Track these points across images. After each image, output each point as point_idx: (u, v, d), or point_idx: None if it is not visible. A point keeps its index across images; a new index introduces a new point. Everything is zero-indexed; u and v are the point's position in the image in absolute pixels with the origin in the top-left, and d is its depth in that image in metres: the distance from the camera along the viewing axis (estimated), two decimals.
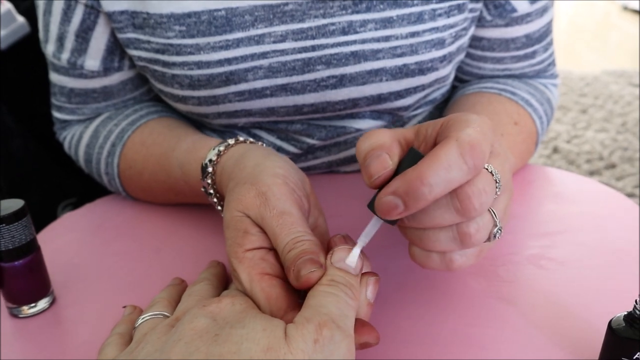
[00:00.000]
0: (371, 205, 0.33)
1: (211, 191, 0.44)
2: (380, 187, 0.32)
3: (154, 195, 0.57)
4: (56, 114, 0.62)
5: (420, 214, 0.32)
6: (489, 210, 0.34)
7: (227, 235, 0.37)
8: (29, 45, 0.85)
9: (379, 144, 0.33)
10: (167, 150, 0.52)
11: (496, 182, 0.33)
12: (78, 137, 0.60)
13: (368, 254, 0.46)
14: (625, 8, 3.45)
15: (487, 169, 0.33)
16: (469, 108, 0.56)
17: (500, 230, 0.35)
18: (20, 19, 0.86)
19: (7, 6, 0.86)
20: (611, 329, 0.32)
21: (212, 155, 0.44)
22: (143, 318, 0.36)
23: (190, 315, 0.32)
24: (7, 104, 0.87)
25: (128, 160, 0.56)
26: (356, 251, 0.34)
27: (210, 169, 0.44)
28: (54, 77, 0.59)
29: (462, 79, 0.63)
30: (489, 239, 0.35)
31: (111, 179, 0.58)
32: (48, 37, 0.56)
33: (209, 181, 0.44)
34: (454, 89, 0.65)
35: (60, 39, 0.55)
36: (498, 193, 0.34)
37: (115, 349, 0.35)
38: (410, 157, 0.32)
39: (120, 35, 0.53)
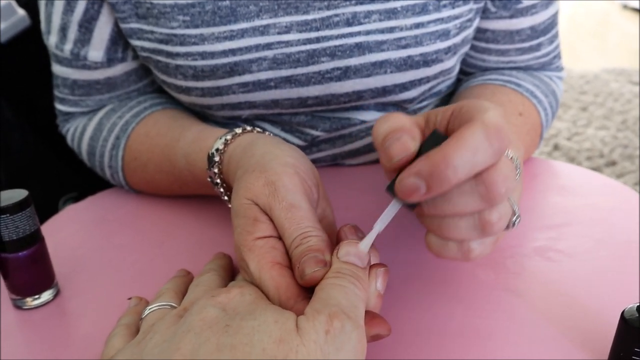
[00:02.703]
0: (390, 188, 0.32)
1: (217, 181, 0.44)
2: (399, 170, 0.31)
3: (158, 187, 0.56)
4: (59, 107, 0.62)
5: (442, 201, 0.31)
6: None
7: (236, 224, 0.36)
8: (29, 39, 0.84)
9: (399, 126, 0.32)
10: (172, 141, 0.52)
11: (516, 168, 0.33)
12: (81, 130, 0.60)
13: (376, 245, 0.45)
14: (625, 7, 3.45)
15: (507, 154, 0.32)
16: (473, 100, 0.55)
17: (519, 218, 0.34)
18: (21, 11, 0.86)
19: None
20: (624, 320, 0.32)
21: (219, 144, 0.44)
22: (150, 309, 0.36)
23: (199, 305, 0.31)
24: (6, 98, 0.86)
25: (132, 152, 0.56)
26: (372, 235, 0.33)
27: (217, 158, 0.43)
28: (57, 69, 0.58)
29: (466, 71, 0.63)
30: (507, 227, 0.34)
31: (114, 172, 0.58)
32: (50, 28, 0.55)
33: (216, 170, 0.44)
34: (458, 82, 0.65)
35: (63, 30, 0.54)
36: (517, 179, 0.33)
37: (121, 340, 0.35)
38: (434, 139, 0.31)
39: (123, 25, 0.52)
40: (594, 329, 0.38)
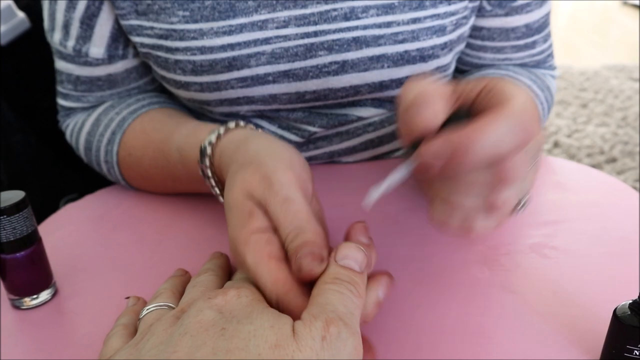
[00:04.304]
0: (410, 151, 0.32)
1: (209, 174, 0.44)
2: (416, 141, 0.31)
3: (153, 183, 0.57)
4: (61, 102, 0.63)
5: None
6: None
7: (230, 217, 0.36)
8: (29, 41, 0.85)
9: (429, 94, 0.32)
10: (167, 135, 0.52)
11: (535, 154, 0.34)
12: (80, 126, 0.61)
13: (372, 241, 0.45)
14: (625, 3, 3.44)
15: None
16: None
17: (527, 203, 0.35)
18: (21, 14, 0.86)
19: (7, 2, 0.85)
20: (616, 317, 0.32)
21: (212, 137, 0.44)
22: (148, 309, 0.36)
23: (196, 308, 0.31)
24: (7, 100, 0.87)
25: (127, 148, 0.56)
26: (377, 192, 0.33)
27: (209, 151, 0.43)
28: (61, 65, 0.59)
29: (462, 69, 0.63)
30: (514, 210, 0.35)
31: (110, 167, 0.58)
32: (54, 25, 0.56)
33: (207, 163, 0.44)
34: (454, 80, 0.65)
35: (66, 27, 0.55)
36: (532, 166, 0.34)
37: (119, 340, 0.35)
38: (458, 118, 0.31)
39: (123, 22, 0.53)
40: (588, 325, 0.38)
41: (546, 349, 0.36)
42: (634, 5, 3.36)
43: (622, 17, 3.28)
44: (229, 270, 0.42)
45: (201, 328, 0.30)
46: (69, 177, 0.91)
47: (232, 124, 0.45)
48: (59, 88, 0.62)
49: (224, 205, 0.38)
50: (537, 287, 0.42)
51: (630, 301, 0.32)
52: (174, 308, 0.36)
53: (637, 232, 0.47)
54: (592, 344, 0.36)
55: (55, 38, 0.57)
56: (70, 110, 0.63)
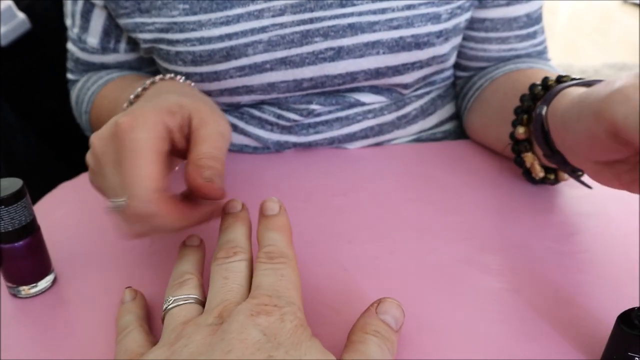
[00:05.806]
0: None
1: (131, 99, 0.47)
2: None
3: None
4: (68, 75, 0.69)
5: None
6: None
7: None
8: (30, 42, 0.85)
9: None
10: (120, 94, 0.55)
11: None
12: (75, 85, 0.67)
13: (371, 251, 0.44)
14: (625, 2, 3.44)
15: None
16: (517, 82, 0.55)
17: None
18: (21, 15, 0.86)
19: (8, 3, 0.86)
20: (619, 324, 0.31)
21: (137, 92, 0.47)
22: (175, 301, 0.34)
23: (238, 323, 0.30)
24: (8, 101, 0.87)
25: (97, 103, 0.61)
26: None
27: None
28: (69, 45, 0.66)
29: (467, 66, 0.63)
30: None
31: (86, 119, 0.64)
32: (67, 12, 0.64)
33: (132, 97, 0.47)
34: (457, 79, 0.65)
35: (72, 16, 0.63)
36: None
37: (140, 336, 0.34)
38: None
39: (127, 21, 0.56)
40: (590, 326, 0.37)
41: (546, 350, 0.35)
42: (634, 4, 3.36)
43: (623, 16, 3.27)
44: (251, 244, 0.39)
45: (246, 349, 0.29)
46: (69, 178, 0.91)
47: (157, 78, 0.48)
48: (67, 64, 0.68)
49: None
50: (539, 287, 0.40)
51: (634, 308, 0.31)
52: (202, 301, 0.35)
53: (637, 232, 0.46)
54: (593, 345, 0.35)
55: (67, 23, 0.65)
56: (75, 82, 0.68)
